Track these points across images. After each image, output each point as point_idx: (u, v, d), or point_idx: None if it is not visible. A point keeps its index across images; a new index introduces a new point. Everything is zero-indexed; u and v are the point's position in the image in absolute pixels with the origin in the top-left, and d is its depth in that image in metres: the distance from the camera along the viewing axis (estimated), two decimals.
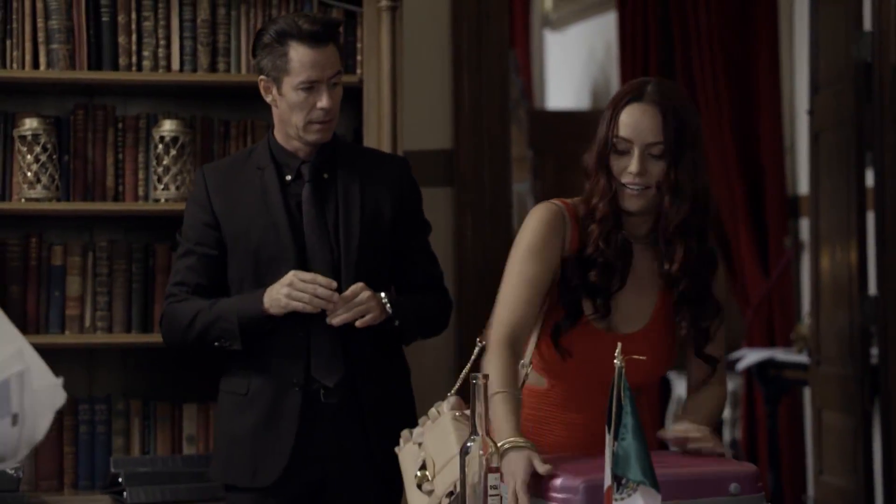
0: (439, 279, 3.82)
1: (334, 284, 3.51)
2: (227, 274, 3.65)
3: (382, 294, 3.58)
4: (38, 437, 2.20)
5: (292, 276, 3.51)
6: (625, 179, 3.02)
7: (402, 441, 3.25)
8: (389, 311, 3.58)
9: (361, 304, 3.53)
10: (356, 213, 3.62)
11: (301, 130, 3.59)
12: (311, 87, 3.55)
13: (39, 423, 2.19)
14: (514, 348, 3.00)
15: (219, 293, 3.64)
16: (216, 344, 3.58)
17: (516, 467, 2.74)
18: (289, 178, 3.64)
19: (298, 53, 3.54)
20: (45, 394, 2.18)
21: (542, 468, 2.72)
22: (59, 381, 2.21)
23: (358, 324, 3.53)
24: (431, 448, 3.12)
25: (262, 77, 3.62)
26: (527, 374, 3.11)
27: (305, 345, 3.58)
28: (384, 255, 3.66)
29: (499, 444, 2.77)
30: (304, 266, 3.56)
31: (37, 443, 2.20)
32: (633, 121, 3.01)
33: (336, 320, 3.52)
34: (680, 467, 2.79)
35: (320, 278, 3.51)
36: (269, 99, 3.64)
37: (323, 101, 3.56)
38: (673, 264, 3.06)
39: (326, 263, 3.58)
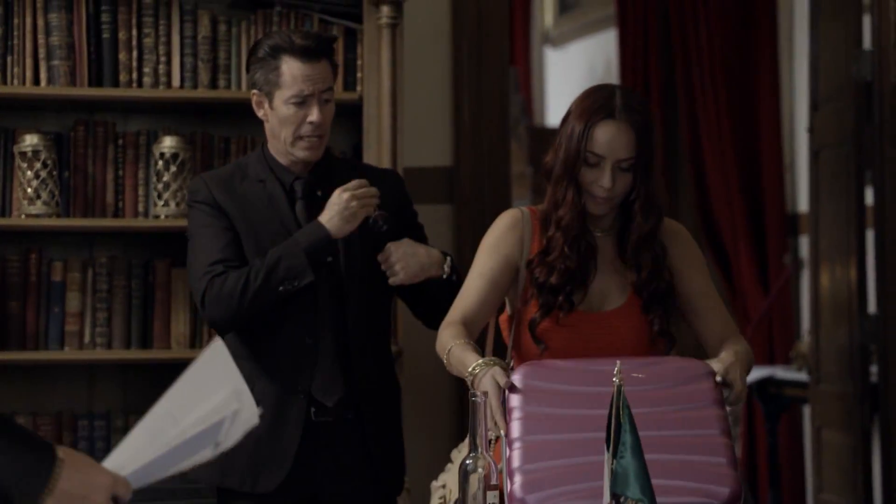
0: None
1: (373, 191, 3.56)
2: None
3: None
4: (227, 446, 2.33)
5: (340, 193, 3.51)
6: (595, 192, 3.12)
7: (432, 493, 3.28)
8: (447, 269, 3.66)
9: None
10: (355, 237, 3.59)
11: (289, 146, 3.58)
12: (302, 101, 3.54)
13: (232, 440, 2.32)
14: (466, 327, 3.14)
15: (240, 249, 3.57)
16: (281, 289, 3.47)
17: (486, 387, 2.91)
18: (285, 192, 3.62)
19: (290, 67, 3.54)
20: (246, 422, 2.31)
21: (502, 381, 2.90)
22: (259, 410, 2.32)
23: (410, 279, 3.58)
24: (452, 485, 3.17)
25: (254, 91, 3.62)
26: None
27: (314, 351, 3.55)
28: (378, 268, 3.63)
29: (468, 371, 2.97)
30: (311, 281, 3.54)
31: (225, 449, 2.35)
32: (608, 138, 3.10)
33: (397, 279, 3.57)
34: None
35: (361, 182, 3.54)
36: (260, 114, 3.62)
37: (313, 116, 3.54)
38: (642, 272, 3.17)
39: (329, 281, 3.57)
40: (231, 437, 2.29)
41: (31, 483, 2.15)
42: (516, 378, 2.93)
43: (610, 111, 3.10)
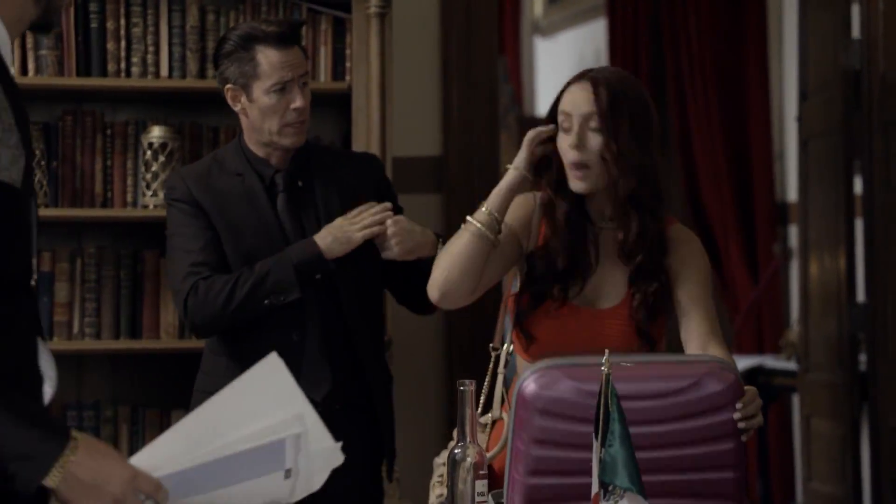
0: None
1: (388, 205, 3.55)
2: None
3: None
4: (314, 489, 2.25)
5: (342, 221, 3.50)
6: (568, 158, 3.09)
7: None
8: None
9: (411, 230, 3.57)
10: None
11: (276, 135, 3.54)
12: (283, 87, 3.51)
13: (314, 478, 2.23)
14: None
15: (220, 252, 3.55)
16: (266, 302, 3.47)
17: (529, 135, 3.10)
18: (264, 184, 3.59)
19: (267, 56, 3.50)
20: (321, 455, 2.22)
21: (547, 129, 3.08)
22: (338, 445, 2.23)
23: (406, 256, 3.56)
24: None
25: (228, 86, 3.56)
26: (510, 363, 3.17)
27: (300, 347, 3.54)
28: (370, 257, 3.62)
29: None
30: None
31: (312, 492, 2.25)
32: (571, 97, 3.10)
33: (393, 253, 3.54)
34: None
35: (371, 205, 3.52)
36: (237, 108, 3.58)
37: (297, 102, 3.51)
38: (629, 236, 3.11)
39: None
40: (310, 471, 2.20)
41: (36, 463, 2.04)
42: (529, 386, 2.77)
43: (577, 77, 3.14)
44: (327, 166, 3.63)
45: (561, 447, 2.72)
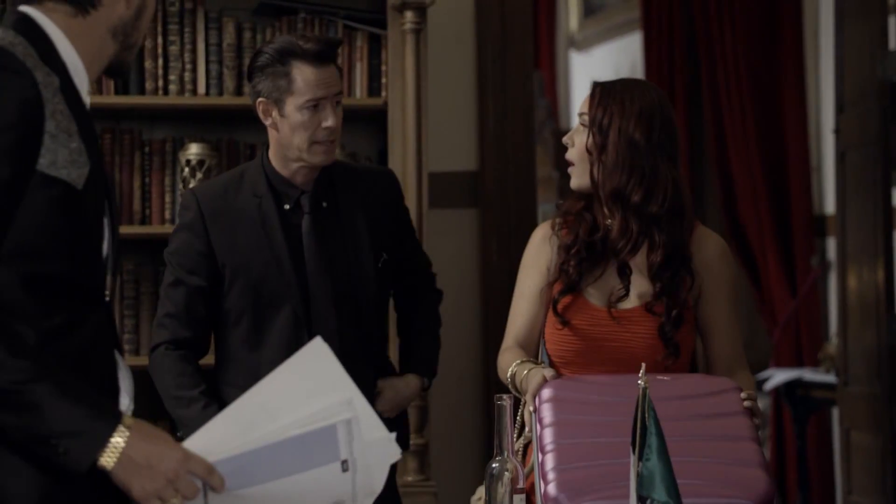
0: (432, 276, 3.81)
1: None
2: (224, 304, 3.54)
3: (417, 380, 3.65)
4: (377, 489, 2.25)
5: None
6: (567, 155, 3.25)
7: None
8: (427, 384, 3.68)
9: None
10: (361, 248, 3.57)
11: (305, 152, 3.49)
12: (316, 105, 3.47)
13: (375, 475, 2.24)
14: (522, 349, 3.20)
15: (207, 325, 3.55)
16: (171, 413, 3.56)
17: (535, 379, 2.99)
18: (287, 206, 3.54)
19: (303, 72, 3.46)
20: (377, 446, 2.22)
21: (549, 374, 2.99)
22: (392, 435, 2.25)
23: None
24: None
25: (260, 100, 3.51)
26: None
27: None
28: (387, 278, 3.62)
29: (508, 373, 3.11)
30: (305, 301, 3.51)
31: (375, 494, 2.25)
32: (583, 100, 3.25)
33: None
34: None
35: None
36: (268, 122, 3.52)
37: (328, 121, 3.47)
38: (612, 233, 3.16)
39: (328, 297, 3.52)
40: (368, 466, 2.20)
41: (88, 440, 2.09)
42: (545, 392, 2.93)
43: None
44: (350, 185, 3.61)
45: (583, 430, 2.85)
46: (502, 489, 2.74)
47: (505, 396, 2.78)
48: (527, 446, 3.19)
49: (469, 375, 4.92)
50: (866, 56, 5.52)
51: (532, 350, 3.23)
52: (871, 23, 5.51)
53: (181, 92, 4.46)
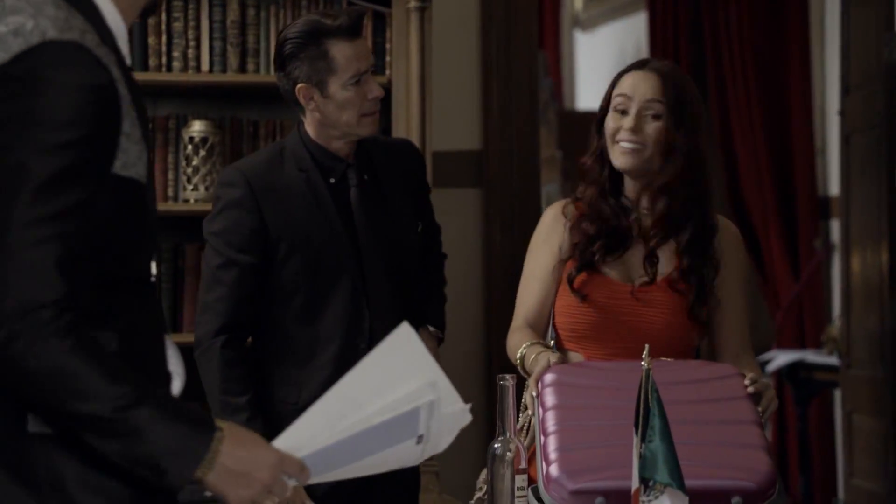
0: (439, 241, 3.80)
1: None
2: (277, 281, 3.46)
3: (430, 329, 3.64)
4: (440, 450, 2.27)
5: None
6: (619, 137, 3.15)
7: None
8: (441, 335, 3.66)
9: None
10: (404, 218, 3.57)
11: (355, 126, 3.44)
12: (359, 79, 3.42)
13: (442, 440, 2.25)
14: (532, 329, 3.20)
15: (258, 304, 3.47)
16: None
17: (541, 363, 2.99)
18: (332, 180, 3.49)
19: (341, 50, 3.39)
20: (451, 417, 2.23)
21: (554, 358, 2.98)
22: (467, 406, 2.25)
23: None
24: None
25: (300, 85, 3.43)
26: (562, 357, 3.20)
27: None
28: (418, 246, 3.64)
29: (518, 354, 3.10)
30: (361, 273, 3.48)
31: (438, 452, 2.28)
32: (634, 81, 3.18)
33: None
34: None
35: None
36: (310, 107, 3.45)
37: (375, 91, 3.43)
38: (652, 218, 3.18)
39: (380, 271, 3.50)
40: (439, 433, 2.21)
41: (187, 456, 2.03)
42: (548, 377, 2.93)
43: (640, 65, 3.22)
44: (384, 157, 3.59)
45: (586, 413, 2.86)
46: (504, 470, 2.74)
47: (508, 377, 2.77)
48: (525, 429, 3.19)
49: (471, 355, 4.92)
50: (872, 38, 5.50)
51: (542, 330, 3.23)
52: (877, 5, 5.49)
53: (184, 69, 4.45)
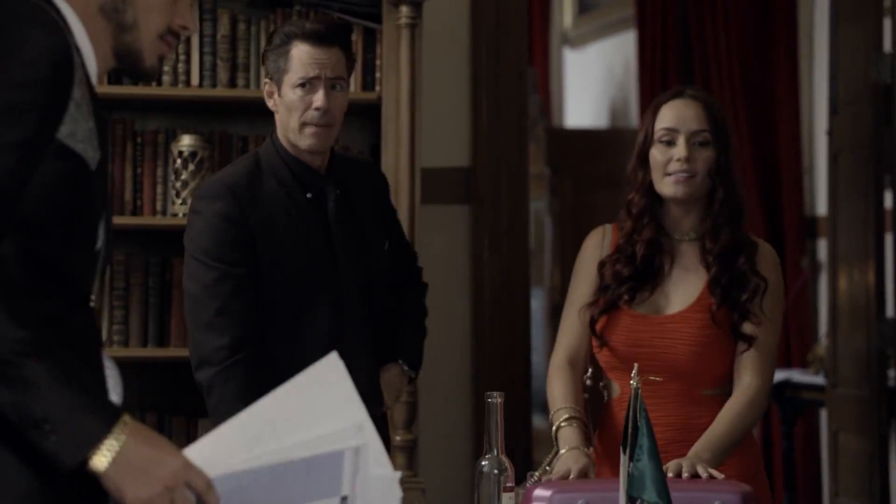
0: (418, 268, 3.77)
1: None
2: (261, 296, 3.39)
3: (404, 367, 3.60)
4: None
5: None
6: (671, 168, 3.17)
7: None
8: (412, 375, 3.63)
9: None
10: (376, 233, 3.55)
11: (297, 133, 3.40)
12: (306, 84, 3.38)
13: None
14: (574, 368, 3.21)
15: (257, 318, 3.39)
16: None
17: (562, 468, 2.97)
18: (309, 195, 3.45)
19: (299, 51, 3.39)
20: (378, 485, 2.05)
21: (575, 470, 2.95)
22: (397, 475, 2.07)
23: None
24: None
25: (264, 81, 3.49)
26: (607, 390, 3.26)
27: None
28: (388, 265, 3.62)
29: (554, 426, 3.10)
30: (338, 291, 3.43)
31: None
32: (677, 112, 3.20)
33: None
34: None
35: None
36: (270, 104, 3.47)
37: (318, 101, 3.37)
38: (716, 246, 3.20)
39: (357, 286, 3.47)
40: (361, 496, 2.02)
41: (83, 431, 1.93)
42: (541, 493, 2.84)
43: (678, 94, 3.24)
44: (353, 174, 3.56)
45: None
46: (492, 487, 2.73)
47: (496, 394, 2.77)
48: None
49: (458, 372, 4.92)
50: (860, 58, 5.52)
51: (581, 365, 3.25)
52: (865, 24, 5.50)
53: (174, 83, 4.45)
